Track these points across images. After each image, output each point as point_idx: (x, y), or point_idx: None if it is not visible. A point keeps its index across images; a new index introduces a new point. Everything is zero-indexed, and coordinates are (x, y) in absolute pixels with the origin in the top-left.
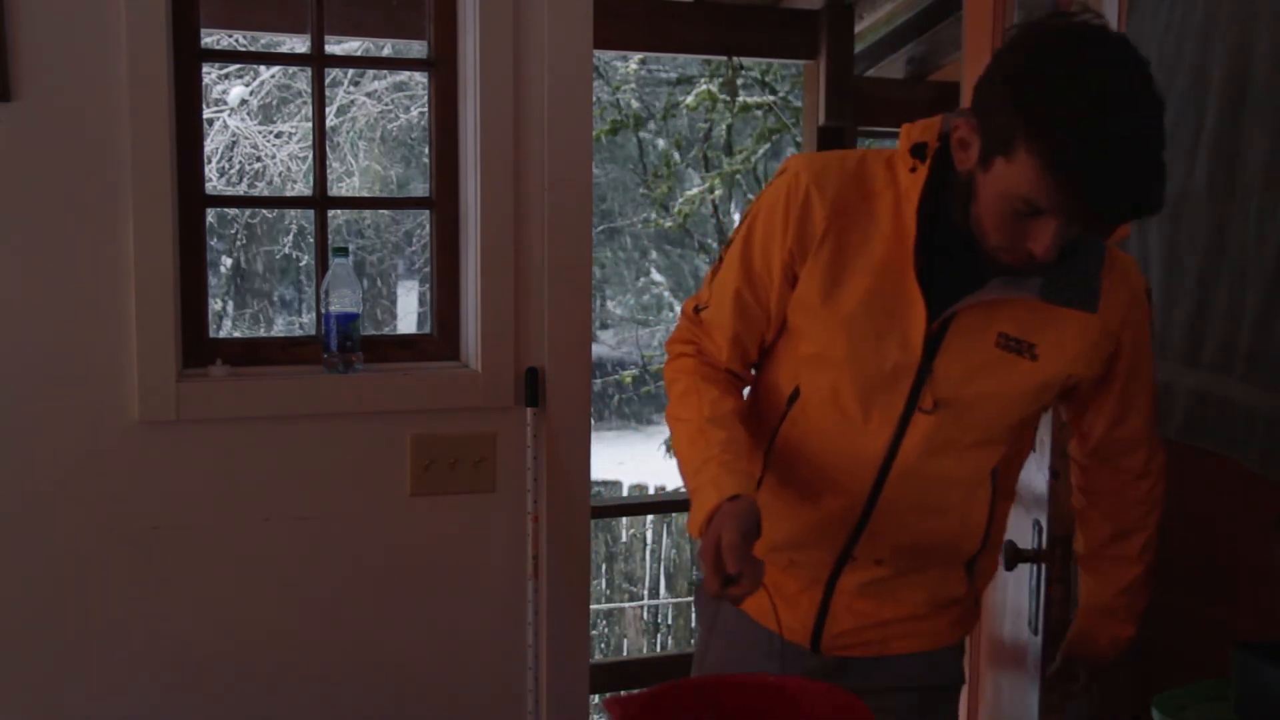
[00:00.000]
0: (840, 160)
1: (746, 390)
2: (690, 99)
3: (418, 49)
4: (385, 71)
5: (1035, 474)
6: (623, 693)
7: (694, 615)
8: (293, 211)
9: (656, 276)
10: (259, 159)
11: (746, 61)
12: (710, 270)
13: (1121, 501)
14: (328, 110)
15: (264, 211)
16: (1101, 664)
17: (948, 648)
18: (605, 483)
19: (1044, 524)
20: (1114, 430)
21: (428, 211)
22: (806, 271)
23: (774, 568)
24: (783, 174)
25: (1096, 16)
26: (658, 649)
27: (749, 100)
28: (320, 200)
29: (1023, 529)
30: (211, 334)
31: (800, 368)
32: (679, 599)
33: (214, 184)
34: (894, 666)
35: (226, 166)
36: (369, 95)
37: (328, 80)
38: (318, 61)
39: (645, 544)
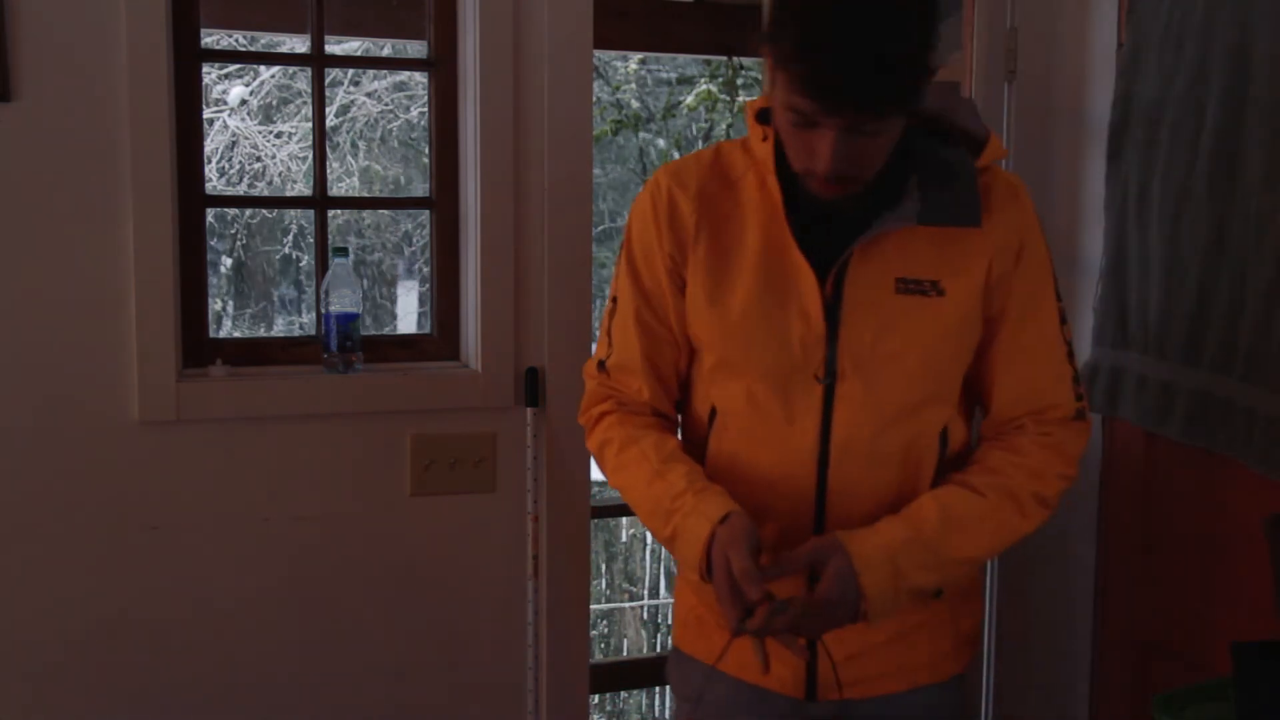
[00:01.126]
0: (696, 157)
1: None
2: (690, 99)
3: (418, 49)
4: (385, 71)
5: None
6: None
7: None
8: (293, 211)
9: None
10: (259, 159)
11: (746, 61)
12: (601, 327)
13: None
14: (328, 110)
15: (264, 211)
16: (834, 606)
17: (950, 680)
18: (605, 483)
19: None
20: (1007, 387)
21: (428, 211)
22: (690, 273)
23: None
24: (645, 187)
25: None
26: (658, 649)
27: (749, 100)
28: (320, 200)
29: None
30: (211, 334)
31: (711, 385)
32: None
33: (214, 184)
34: (895, 705)
35: (226, 166)
36: (369, 95)
37: (328, 80)
38: (318, 61)
39: (645, 544)
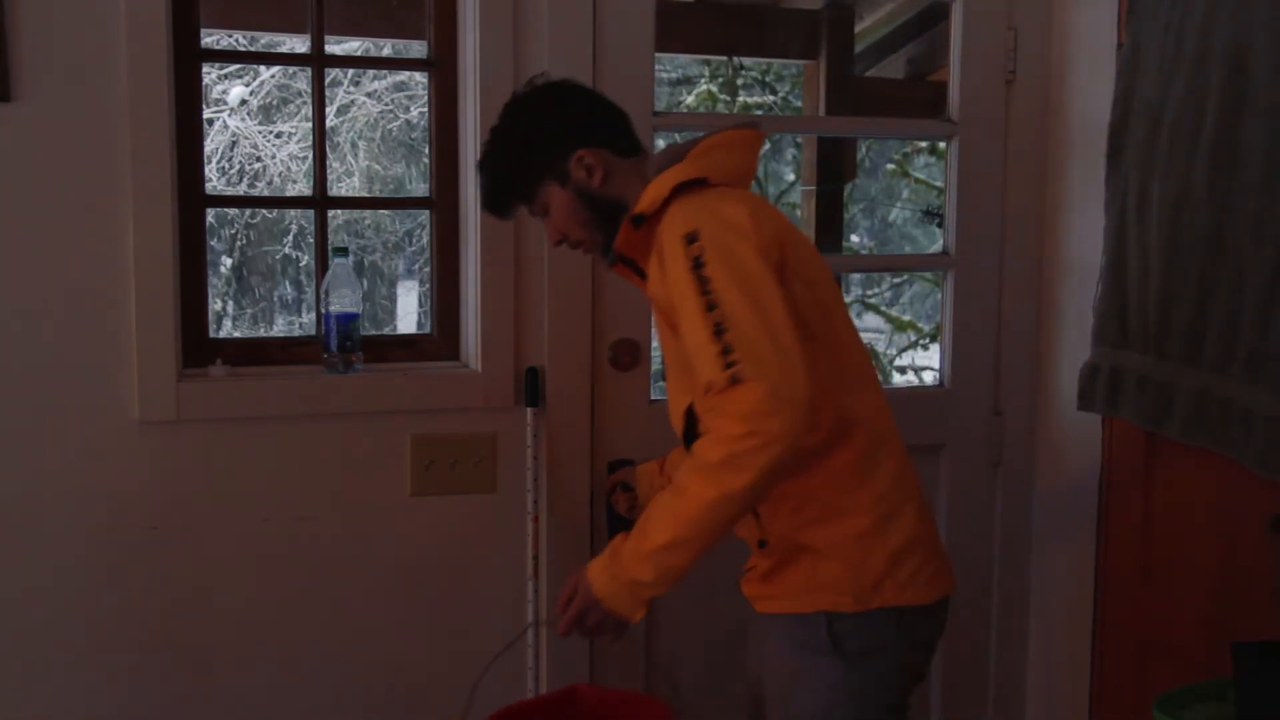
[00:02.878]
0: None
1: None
2: (690, 99)
3: (418, 49)
4: (385, 71)
5: None
6: None
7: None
8: (293, 211)
9: None
10: (259, 159)
11: (746, 61)
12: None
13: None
14: (328, 110)
15: (264, 211)
16: (590, 604)
17: (801, 615)
18: None
19: None
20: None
21: (428, 211)
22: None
23: None
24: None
25: (544, 78)
26: None
27: (749, 100)
28: (320, 200)
29: None
30: (211, 334)
31: None
32: None
33: (214, 184)
34: (765, 624)
35: (226, 166)
36: (369, 95)
37: (328, 80)
38: (318, 61)
39: None
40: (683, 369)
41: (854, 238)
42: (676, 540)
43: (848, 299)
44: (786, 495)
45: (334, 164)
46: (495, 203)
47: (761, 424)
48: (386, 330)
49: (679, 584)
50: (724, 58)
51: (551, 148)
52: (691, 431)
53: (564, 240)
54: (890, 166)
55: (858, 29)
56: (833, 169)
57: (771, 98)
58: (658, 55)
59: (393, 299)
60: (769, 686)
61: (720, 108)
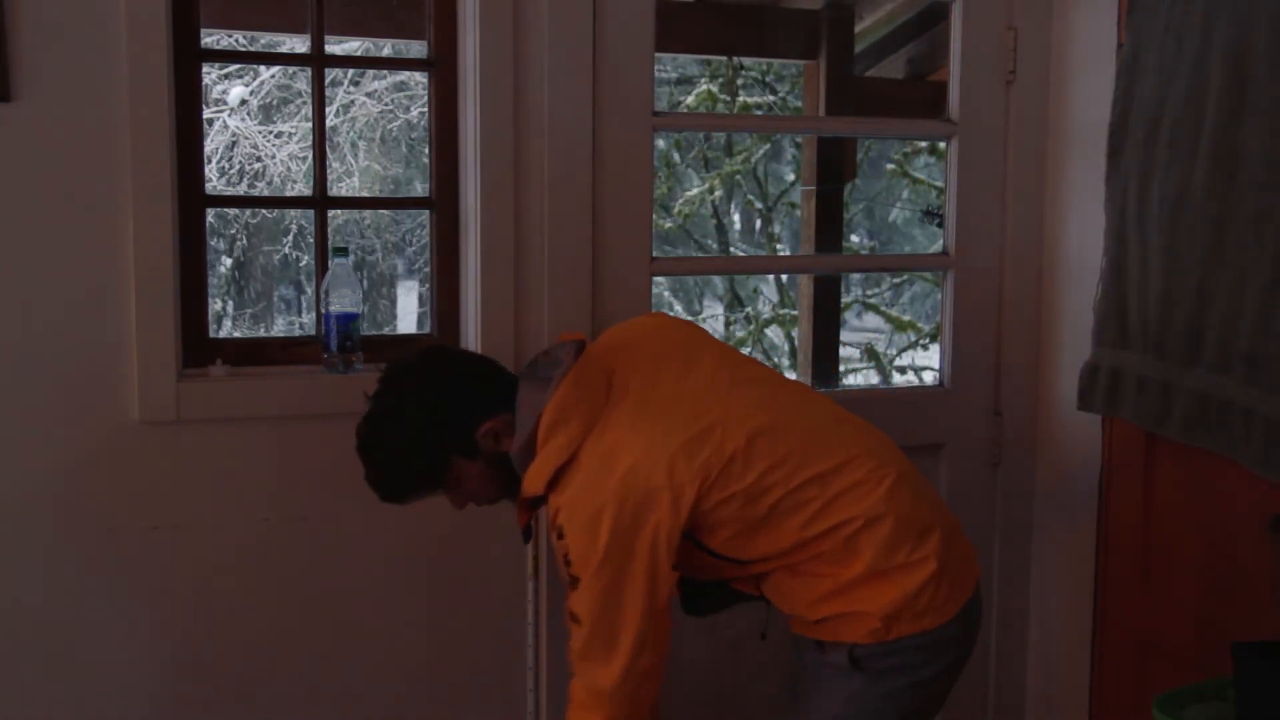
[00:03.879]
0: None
1: None
2: (690, 99)
3: (418, 49)
4: (385, 71)
5: None
6: None
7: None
8: (293, 211)
9: (657, 277)
10: (259, 159)
11: (746, 61)
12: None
13: None
14: (328, 110)
15: (264, 211)
16: None
17: (818, 642)
18: None
19: None
20: None
21: (428, 211)
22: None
23: None
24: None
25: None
26: None
27: (749, 100)
28: (320, 200)
29: None
30: (211, 334)
31: None
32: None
33: (214, 184)
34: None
35: (226, 166)
36: (369, 95)
37: (328, 80)
38: (318, 61)
39: None
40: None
41: (854, 238)
42: None
43: (847, 299)
44: (790, 591)
45: (334, 164)
46: (398, 495)
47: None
48: (386, 330)
49: (680, 614)
50: (724, 58)
51: (457, 429)
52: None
53: (472, 502)
54: (890, 166)
55: (858, 29)
56: (833, 169)
57: (771, 98)
58: (658, 55)
59: (393, 299)
60: (800, 678)
61: (720, 108)
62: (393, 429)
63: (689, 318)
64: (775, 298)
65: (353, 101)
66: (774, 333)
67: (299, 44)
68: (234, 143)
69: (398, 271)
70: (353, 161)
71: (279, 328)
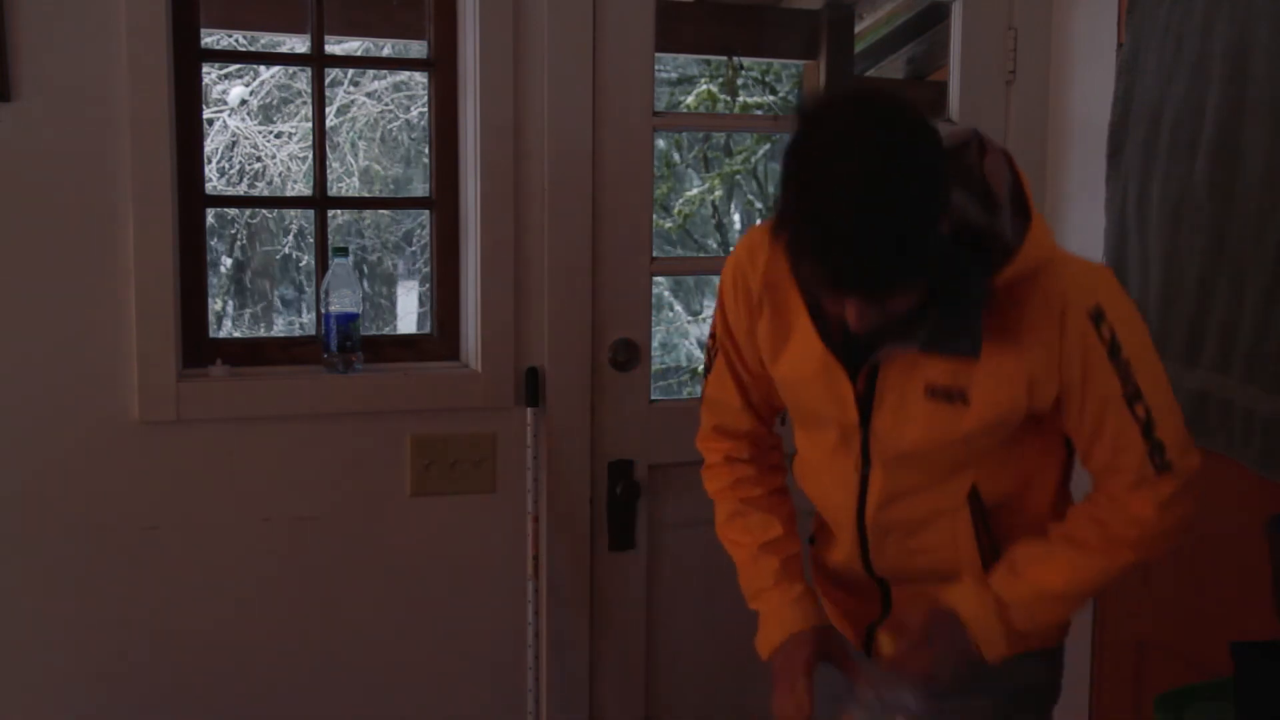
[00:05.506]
0: (766, 232)
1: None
2: (690, 99)
3: (418, 49)
4: (385, 71)
5: None
6: None
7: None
8: (293, 211)
9: (657, 277)
10: (259, 159)
11: (746, 61)
12: (705, 351)
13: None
14: (328, 110)
15: (264, 211)
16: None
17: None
18: None
19: None
20: (1087, 461)
21: (428, 211)
22: (760, 335)
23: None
24: (735, 246)
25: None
26: None
27: (749, 100)
28: (320, 200)
29: None
30: (211, 334)
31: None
32: None
33: (214, 184)
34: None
35: (226, 166)
36: (369, 95)
37: (328, 80)
38: (318, 61)
39: None
40: (959, 463)
41: None
42: (1069, 594)
43: None
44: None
45: (334, 164)
46: (895, 283)
47: (1176, 514)
48: (386, 330)
49: (682, 615)
50: (724, 58)
51: (944, 194)
52: (982, 510)
53: (886, 326)
54: None
55: (858, 29)
56: None
57: (771, 98)
58: (658, 55)
59: (393, 299)
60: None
61: (720, 108)
62: (926, 177)
63: (689, 317)
64: None
65: (352, 101)
66: None
67: (299, 44)
68: (234, 143)
69: (398, 271)
70: (353, 161)
71: (279, 328)
